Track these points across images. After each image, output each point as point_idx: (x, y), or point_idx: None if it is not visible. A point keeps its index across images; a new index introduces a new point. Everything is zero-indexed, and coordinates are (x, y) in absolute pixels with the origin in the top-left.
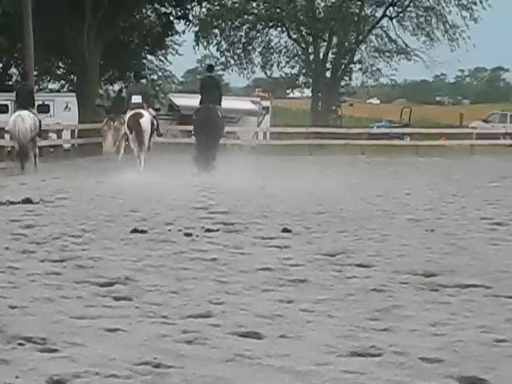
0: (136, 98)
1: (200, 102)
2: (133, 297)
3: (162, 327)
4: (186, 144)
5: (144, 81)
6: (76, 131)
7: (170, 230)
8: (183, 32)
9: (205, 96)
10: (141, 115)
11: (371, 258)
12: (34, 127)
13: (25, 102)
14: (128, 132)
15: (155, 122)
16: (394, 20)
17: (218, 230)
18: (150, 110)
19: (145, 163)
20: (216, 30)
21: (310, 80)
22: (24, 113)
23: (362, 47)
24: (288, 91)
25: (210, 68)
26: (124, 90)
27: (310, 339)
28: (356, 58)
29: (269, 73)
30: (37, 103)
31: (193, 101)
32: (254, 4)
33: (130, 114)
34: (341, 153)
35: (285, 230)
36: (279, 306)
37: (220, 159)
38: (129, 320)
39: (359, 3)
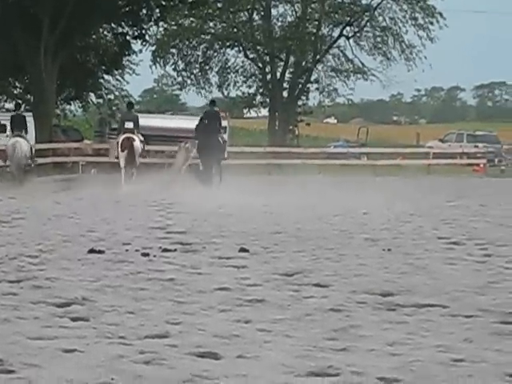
0: (128, 124)
1: (201, 130)
2: (90, 317)
3: (120, 348)
4: (144, 164)
5: (101, 100)
6: (33, 151)
7: (127, 250)
8: (140, 51)
9: (207, 125)
10: (133, 139)
11: (328, 277)
12: (28, 153)
13: (19, 128)
14: (120, 150)
15: (143, 145)
16: (351, 40)
17: (175, 250)
18: (139, 134)
19: (134, 177)
20: (173, 50)
21: (267, 99)
22: (21, 140)
23: (319, 67)
24: (245, 111)
25: (213, 103)
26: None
27: (267, 359)
28: (313, 77)
29: (226, 92)
30: None
31: (150, 120)
32: (211, 24)
33: (123, 136)
34: (298, 172)
35: (242, 250)
36: (237, 326)
37: (178, 179)
38: (86, 341)
39: (316, 23)
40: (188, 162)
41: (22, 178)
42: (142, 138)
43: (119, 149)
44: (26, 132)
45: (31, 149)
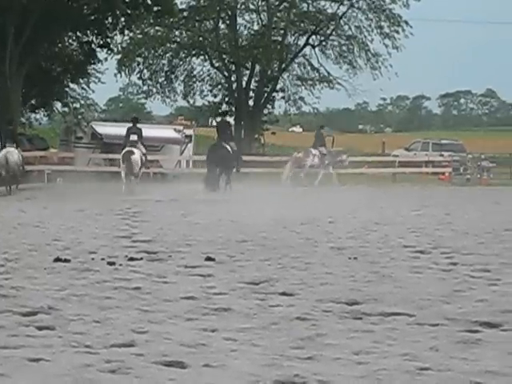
0: (133, 137)
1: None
2: (56, 326)
3: (86, 357)
4: (110, 173)
5: (66, 109)
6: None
7: (93, 259)
8: (105, 60)
9: (220, 135)
10: (133, 152)
11: (294, 286)
12: (19, 162)
13: (10, 140)
14: (121, 162)
15: (144, 158)
16: (317, 48)
17: (141, 259)
18: (142, 146)
19: (134, 187)
20: (139, 58)
21: (233, 108)
22: (12, 150)
23: (285, 75)
24: (211, 119)
25: (224, 114)
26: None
27: (233, 368)
28: (279, 86)
29: (191, 101)
30: None
31: (115, 129)
32: (177, 32)
33: (125, 150)
34: (264, 181)
35: (208, 259)
36: (203, 334)
37: (144, 188)
38: (52, 350)
39: (282, 31)
40: (293, 171)
41: (14, 187)
42: (145, 151)
43: (120, 160)
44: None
45: (22, 158)
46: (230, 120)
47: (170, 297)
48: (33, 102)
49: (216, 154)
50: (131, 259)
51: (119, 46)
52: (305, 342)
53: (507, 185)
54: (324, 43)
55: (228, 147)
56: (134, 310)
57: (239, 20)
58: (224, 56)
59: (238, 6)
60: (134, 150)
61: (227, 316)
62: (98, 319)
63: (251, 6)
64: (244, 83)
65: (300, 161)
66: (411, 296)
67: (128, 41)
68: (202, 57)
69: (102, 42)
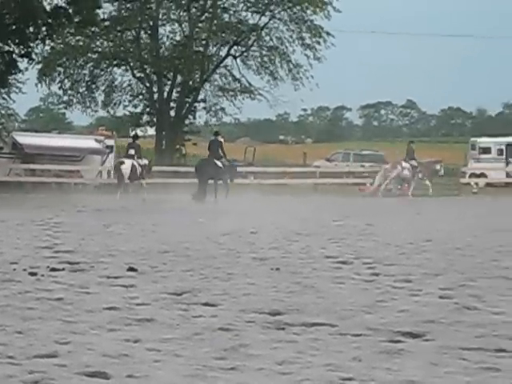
0: (131, 151)
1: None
2: None
3: (8, 368)
4: (31, 183)
5: None
6: None
7: (14, 270)
8: (26, 69)
9: (210, 152)
10: (123, 162)
11: (217, 296)
12: None
13: None
14: (113, 172)
15: (138, 168)
16: (238, 59)
17: (63, 270)
18: (139, 160)
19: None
20: (60, 68)
21: (154, 119)
22: None
23: (207, 86)
24: (132, 130)
25: (216, 133)
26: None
27: (157, 379)
28: (200, 96)
29: (112, 111)
30: None
31: (36, 139)
32: (99, 42)
33: (118, 160)
34: (185, 191)
35: (130, 269)
36: (126, 345)
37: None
38: None
39: (204, 42)
40: (386, 182)
41: None
42: (143, 162)
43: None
44: None
45: None
46: (221, 138)
47: (93, 307)
48: None
49: (203, 168)
50: (53, 270)
51: (40, 55)
52: (228, 353)
53: (428, 195)
54: (245, 54)
55: (217, 162)
56: (57, 321)
57: (161, 30)
58: (145, 66)
59: (160, 17)
60: (126, 160)
61: (150, 326)
62: (20, 330)
63: (173, 17)
64: (165, 94)
65: (387, 172)
66: (333, 306)
67: (49, 50)
68: (123, 67)
69: (23, 52)
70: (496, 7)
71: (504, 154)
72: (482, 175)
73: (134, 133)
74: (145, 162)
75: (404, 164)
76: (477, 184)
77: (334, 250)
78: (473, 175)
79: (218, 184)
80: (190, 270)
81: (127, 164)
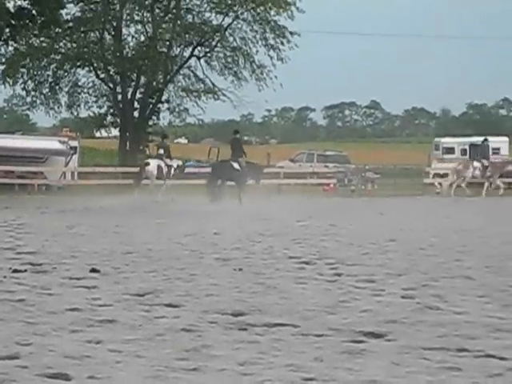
0: (160, 151)
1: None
2: None
3: None
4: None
5: None
6: None
7: None
8: None
9: (232, 151)
10: (148, 163)
11: (180, 297)
12: None
13: None
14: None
15: (164, 168)
16: (202, 60)
17: (25, 271)
18: (167, 160)
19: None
20: (23, 69)
21: (118, 120)
22: None
23: (170, 87)
24: (96, 131)
25: (236, 132)
26: None
27: (118, 380)
28: (164, 97)
29: (75, 112)
30: None
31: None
32: (62, 43)
33: (144, 161)
34: (149, 192)
35: (93, 271)
36: (87, 346)
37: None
38: None
39: (167, 43)
40: (458, 182)
41: None
42: (170, 163)
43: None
44: None
45: None
46: (238, 136)
47: (55, 309)
48: None
49: (217, 169)
50: (15, 271)
51: (3, 56)
52: (190, 354)
53: (391, 196)
54: (209, 55)
55: (235, 164)
56: (18, 322)
57: (125, 31)
58: (109, 67)
59: (124, 18)
60: (152, 161)
61: (112, 327)
62: None
63: (136, 18)
64: (129, 94)
65: (460, 172)
66: (296, 307)
67: (12, 52)
68: (86, 68)
69: None
70: (458, 7)
71: (468, 154)
72: (446, 175)
73: (164, 133)
74: (178, 162)
75: (476, 164)
76: (440, 184)
77: (297, 251)
78: (436, 175)
79: (241, 187)
80: (152, 271)
81: (153, 165)
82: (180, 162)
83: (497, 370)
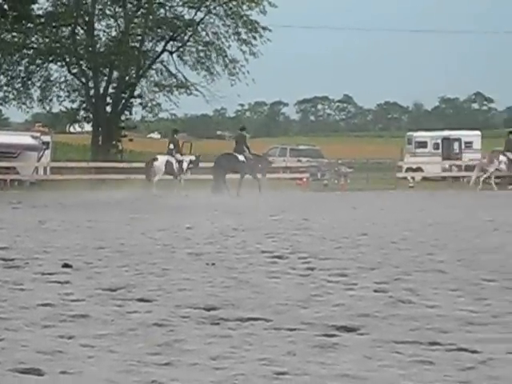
0: (171, 146)
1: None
2: None
3: None
4: None
5: None
6: None
7: None
8: None
9: (236, 146)
10: (156, 159)
11: (152, 292)
12: None
13: None
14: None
15: (175, 164)
16: (175, 54)
17: None
18: (177, 154)
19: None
20: None
21: (91, 115)
22: None
23: (143, 82)
24: (68, 126)
25: (242, 128)
26: None
27: (90, 374)
28: (136, 92)
29: (48, 107)
30: None
31: None
32: (34, 38)
33: (154, 156)
34: (122, 188)
35: (65, 266)
36: (60, 341)
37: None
38: None
39: (139, 38)
40: (485, 176)
41: None
42: (181, 158)
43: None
44: None
45: None
46: (246, 134)
47: (27, 304)
48: None
49: (221, 162)
50: None
51: None
52: (162, 348)
53: (364, 190)
54: (182, 49)
55: (239, 156)
56: None
57: (97, 26)
58: (81, 62)
59: (96, 12)
60: (160, 156)
61: (84, 322)
62: None
63: (108, 12)
64: (102, 89)
65: (484, 166)
66: (268, 301)
67: None
68: (59, 63)
69: None
70: (429, 2)
71: (440, 148)
72: (419, 169)
73: (174, 127)
74: (190, 157)
75: (501, 157)
76: (413, 178)
77: (269, 245)
78: (409, 169)
79: (242, 179)
80: (125, 266)
81: (161, 160)
82: (193, 157)
83: (469, 363)
